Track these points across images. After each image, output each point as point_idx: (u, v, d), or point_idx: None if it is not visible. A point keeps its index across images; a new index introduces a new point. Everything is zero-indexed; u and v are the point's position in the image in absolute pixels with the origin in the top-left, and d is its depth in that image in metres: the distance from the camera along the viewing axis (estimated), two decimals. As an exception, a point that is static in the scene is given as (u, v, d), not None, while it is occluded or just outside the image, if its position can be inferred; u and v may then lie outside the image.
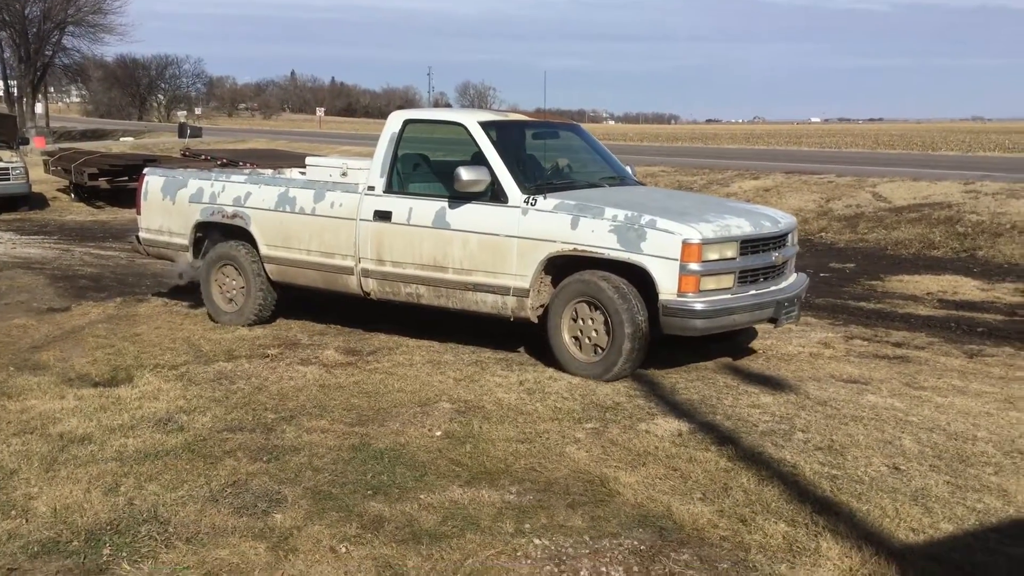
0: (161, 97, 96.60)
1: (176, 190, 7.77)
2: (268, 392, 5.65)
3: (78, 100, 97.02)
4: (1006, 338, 7.49)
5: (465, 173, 6.14)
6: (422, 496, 4.09)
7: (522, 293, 6.14)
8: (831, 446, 4.77)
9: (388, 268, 6.67)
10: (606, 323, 5.87)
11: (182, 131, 41.03)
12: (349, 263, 6.84)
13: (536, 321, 6.23)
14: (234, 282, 7.48)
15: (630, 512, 3.96)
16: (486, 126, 6.60)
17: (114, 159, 19.79)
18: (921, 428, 5.08)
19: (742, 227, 5.95)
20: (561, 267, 6.11)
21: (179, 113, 69.99)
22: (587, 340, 6.00)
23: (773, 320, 6.14)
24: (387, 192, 6.71)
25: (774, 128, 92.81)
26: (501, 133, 6.67)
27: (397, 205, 6.62)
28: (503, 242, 6.17)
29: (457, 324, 7.14)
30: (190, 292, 8.87)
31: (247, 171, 8.52)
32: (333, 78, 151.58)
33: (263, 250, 7.27)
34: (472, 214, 6.31)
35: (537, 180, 6.51)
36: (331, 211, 6.89)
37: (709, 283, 5.73)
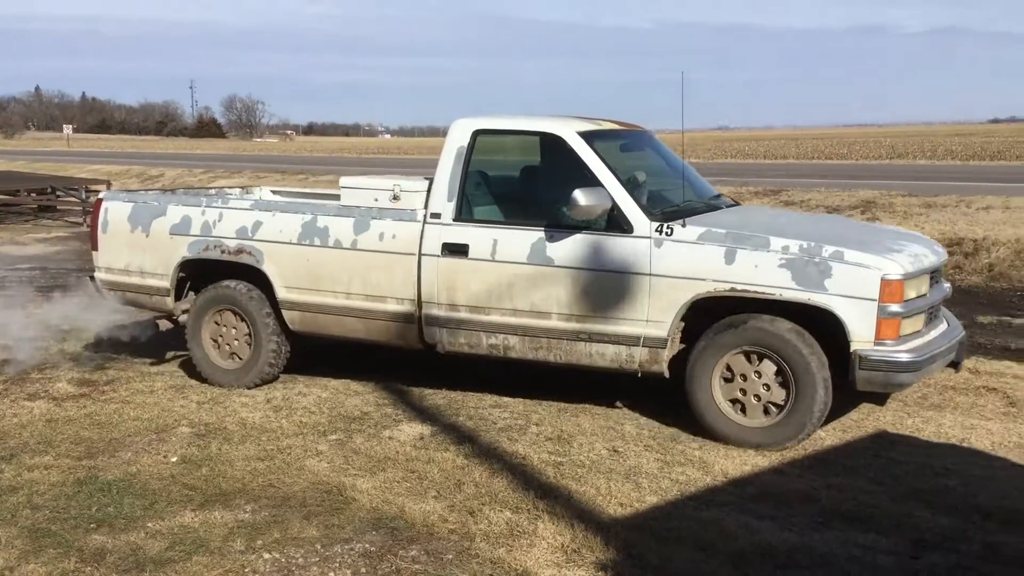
0: None
1: (151, 219, 6.30)
2: (-14, 432, 5.25)
3: None
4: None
5: (583, 197, 5.03)
6: (150, 524, 3.99)
7: (657, 343, 5.10)
8: (560, 436, 5.11)
9: (464, 315, 5.52)
10: (782, 379, 4.94)
11: (-98, 153, 36.78)
12: (407, 308, 5.65)
13: (668, 375, 5.22)
14: (234, 332, 6.19)
15: (365, 517, 4.07)
16: (589, 137, 5.47)
17: None
18: (623, 416, 5.53)
19: (927, 256, 5.19)
20: (701, 311, 5.10)
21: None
22: (753, 400, 5.01)
23: (955, 364, 5.33)
24: (458, 220, 5.53)
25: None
26: (606, 146, 5.58)
27: (475, 236, 5.46)
28: (631, 281, 5.11)
29: (167, 344, 6.94)
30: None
31: (254, 196, 7.28)
32: (84, 93, 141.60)
33: (281, 293, 5.95)
34: (584, 247, 5.22)
35: (660, 204, 5.44)
36: (380, 244, 5.67)
37: (907, 327, 4.87)
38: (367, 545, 3.79)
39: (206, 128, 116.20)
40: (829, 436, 5.18)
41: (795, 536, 3.85)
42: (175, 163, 34.06)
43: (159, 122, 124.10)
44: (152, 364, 6.83)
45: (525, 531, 3.87)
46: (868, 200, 14.06)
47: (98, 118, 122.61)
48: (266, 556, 3.68)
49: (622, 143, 6.09)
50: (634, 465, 4.67)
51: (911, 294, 4.86)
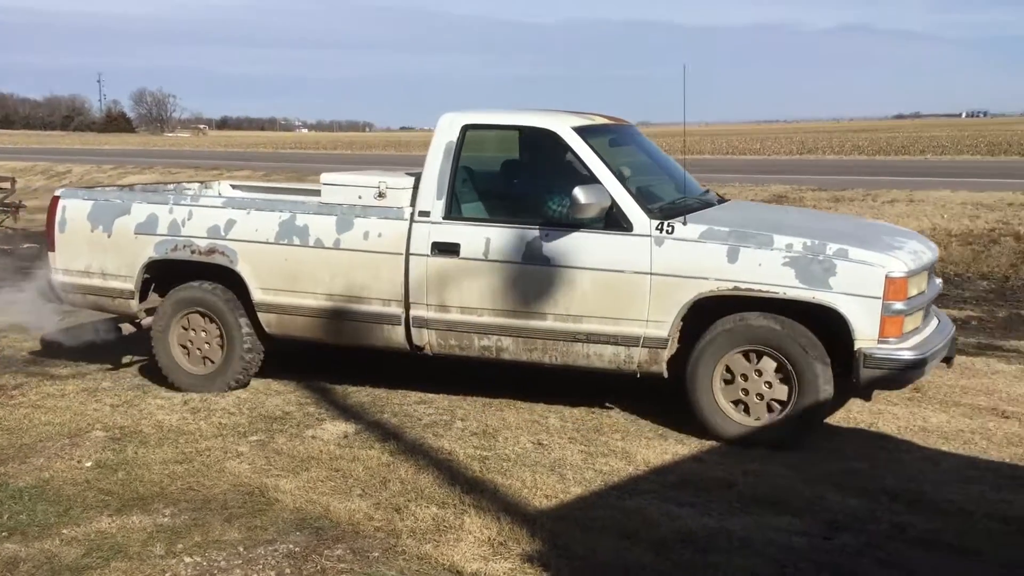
0: None
1: (113, 218, 5.98)
2: None
3: None
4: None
5: (584, 195, 4.91)
6: (65, 531, 3.87)
7: (657, 343, 5.02)
8: (485, 430, 5.14)
9: (455, 316, 5.38)
10: (784, 378, 4.88)
11: None
12: (394, 310, 5.49)
13: (667, 376, 5.13)
14: (204, 335, 5.95)
15: (288, 517, 4.02)
16: (583, 132, 5.38)
17: None
18: (547, 409, 5.57)
19: (925, 252, 5.20)
20: (699, 311, 5.01)
21: None
22: (748, 398, 4.97)
23: (948, 360, 5.32)
24: (448, 218, 5.38)
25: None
26: (600, 141, 5.48)
27: (467, 235, 5.31)
28: (631, 280, 5.01)
29: (126, 348, 6.75)
30: None
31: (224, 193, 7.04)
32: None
33: (257, 295, 5.73)
34: (582, 246, 5.11)
35: (655, 201, 5.34)
36: (365, 244, 5.49)
37: (909, 324, 4.86)
38: (291, 546, 3.75)
39: (115, 123, 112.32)
40: (746, 424, 5.31)
41: (714, 521, 3.96)
42: (83, 159, 32.86)
43: (66, 116, 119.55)
44: (109, 370, 6.56)
45: (452, 526, 3.89)
46: (780, 194, 14.47)
47: (0, 113, 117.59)
48: (187, 560, 3.62)
49: (611, 138, 5.96)
50: (559, 457, 4.73)
51: (913, 291, 4.85)
